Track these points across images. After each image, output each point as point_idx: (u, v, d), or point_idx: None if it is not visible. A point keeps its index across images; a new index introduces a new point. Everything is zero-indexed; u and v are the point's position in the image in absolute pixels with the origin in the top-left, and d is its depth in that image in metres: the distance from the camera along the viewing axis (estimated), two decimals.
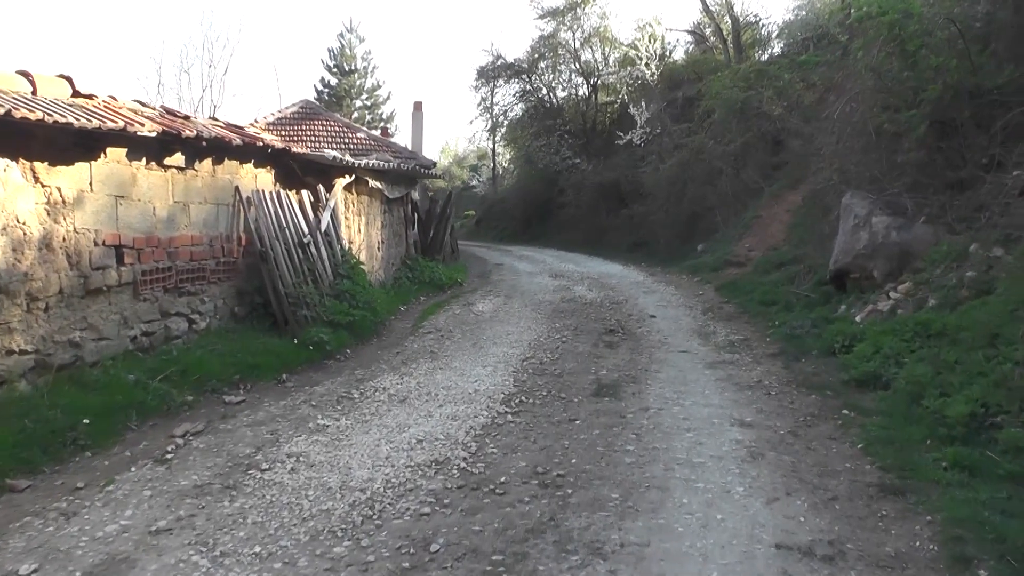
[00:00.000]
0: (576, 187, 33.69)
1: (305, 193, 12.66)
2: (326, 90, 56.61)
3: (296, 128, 29.79)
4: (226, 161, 10.76)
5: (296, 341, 10.55)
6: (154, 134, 8.58)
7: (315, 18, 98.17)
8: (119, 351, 8.51)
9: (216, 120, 11.30)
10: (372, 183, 15.56)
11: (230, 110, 49.93)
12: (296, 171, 12.75)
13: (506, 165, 52.77)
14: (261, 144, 10.88)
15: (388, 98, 58.25)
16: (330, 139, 28.99)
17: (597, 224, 31.47)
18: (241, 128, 11.49)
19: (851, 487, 5.77)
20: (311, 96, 54.46)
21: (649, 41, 32.95)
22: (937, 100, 12.23)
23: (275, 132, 29.47)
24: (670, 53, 35.00)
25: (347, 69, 57.02)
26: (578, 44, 38.28)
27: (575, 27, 38.03)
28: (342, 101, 55.42)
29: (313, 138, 28.93)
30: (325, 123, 30.46)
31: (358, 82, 57.28)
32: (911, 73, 13.25)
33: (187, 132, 9.10)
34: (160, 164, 9.35)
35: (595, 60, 38.14)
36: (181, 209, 9.82)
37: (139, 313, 8.94)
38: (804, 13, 29.29)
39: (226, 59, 66.58)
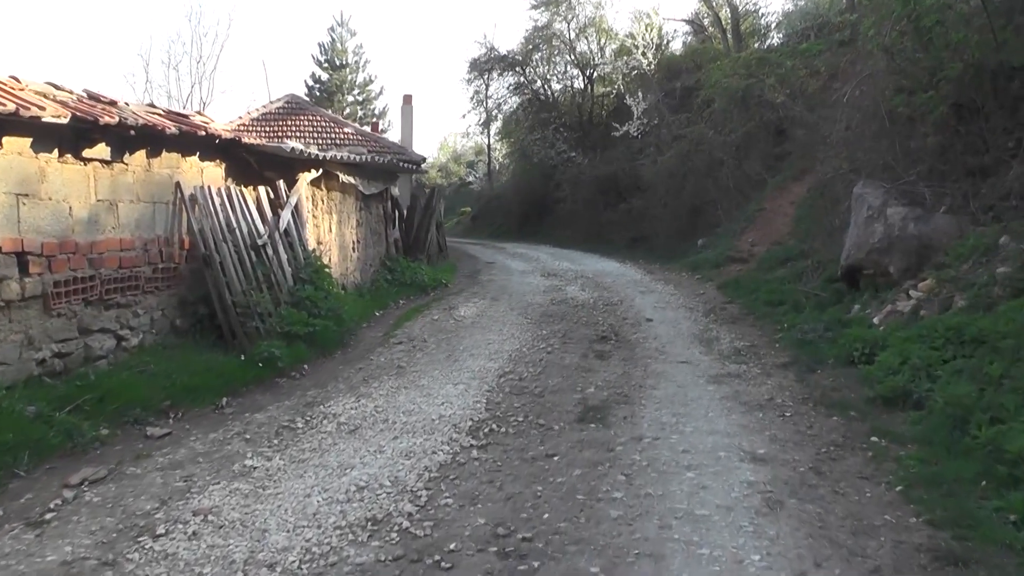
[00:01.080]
0: (572, 182, 32.57)
1: (263, 190, 11.41)
2: (317, 85, 55.36)
3: (281, 123, 28.70)
4: (164, 154, 9.50)
5: (244, 357, 9.30)
6: (63, 120, 7.31)
7: (305, 12, 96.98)
8: (20, 377, 7.23)
9: (154, 107, 10.04)
10: (344, 178, 14.31)
11: (220, 107, 48.97)
12: (253, 165, 11.51)
13: (502, 160, 51.42)
14: (204, 134, 9.59)
15: (381, 93, 57.07)
16: (316, 135, 27.89)
17: (595, 220, 30.31)
18: (185, 116, 10.22)
19: (896, 553, 4.50)
20: (301, 92, 53.33)
21: (646, 30, 31.80)
22: (957, 80, 11.20)
23: (260, 128, 28.45)
24: (667, 44, 34.17)
25: (338, 64, 55.78)
26: (573, 35, 37.18)
27: (570, 17, 36.84)
28: (333, 97, 54.17)
29: (299, 133, 27.80)
30: (312, 118, 29.38)
31: (349, 77, 56.03)
32: (927, 52, 12.11)
33: (106, 119, 7.83)
34: (78, 156, 8.08)
35: (591, 51, 36.99)
36: (107, 209, 8.55)
37: (50, 331, 7.67)
38: (804, 2, 28.63)
39: (215, 55, 65.18)
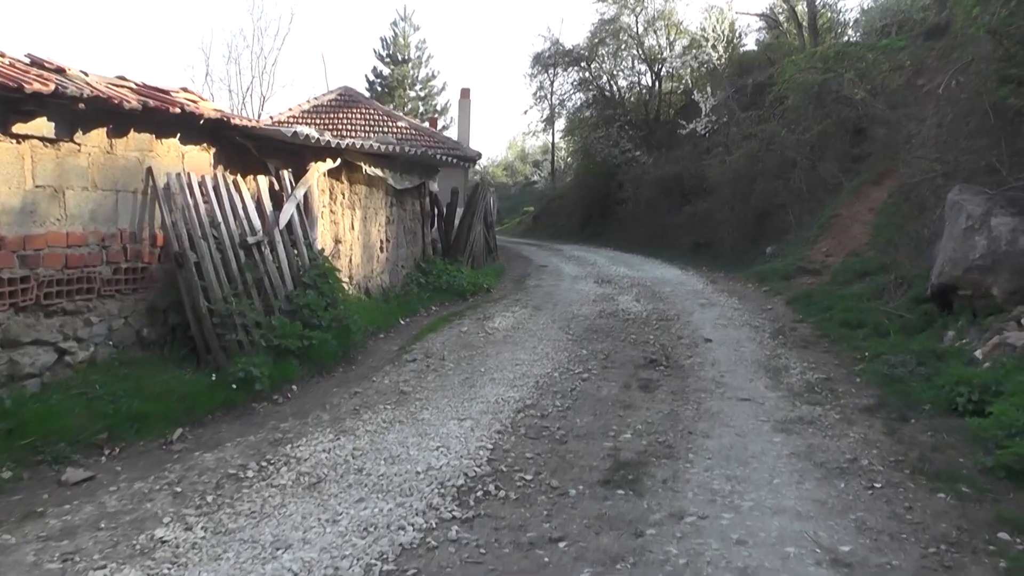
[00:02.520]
0: (635, 182, 30.84)
1: (264, 181, 9.93)
2: (378, 80, 54.32)
3: (333, 116, 27.76)
4: (133, 134, 8.05)
5: (215, 377, 7.80)
6: None
7: (368, 7, 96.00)
8: None
9: (124, 80, 8.55)
10: (370, 170, 12.79)
11: (280, 101, 48.04)
12: (253, 152, 10.02)
13: (567, 159, 49.68)
14: (179, 111, 8.07)
15: (443, 88, 55.70)
16: (368, 128, 26.88)
17: (658, 222, 28.50)
18: (164, 92, 8.72)
19: None
20: (362, 87, 52.45)
21: (717, 22, 29.93)
22: None
23: (310, 120, 27.29)
24: (740, 38, 32.49)
25: (400, 59, 54.65)
26: (641, 29, 35.27)
27: (638, 10, 34.96)
28: (395, 92, 53.07)
29: (350, 126, 26.82)
30: (365, 111, 28.34)
31: (412, 72, 54.85)
32: None
33: (37, 86, 6.36)
34: (7, 133, 6.64)
35: (659, 46, 35.09)
36: (49, 197, 7.10)
37: None
38: None
39: (276, 49, 64.70)
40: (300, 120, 27.03)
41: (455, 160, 18.98)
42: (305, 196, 10.75)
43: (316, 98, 29.22)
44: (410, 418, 7.22)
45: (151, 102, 7.71)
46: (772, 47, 30.01)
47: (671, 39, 34.69)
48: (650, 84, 36.37)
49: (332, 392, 8.29)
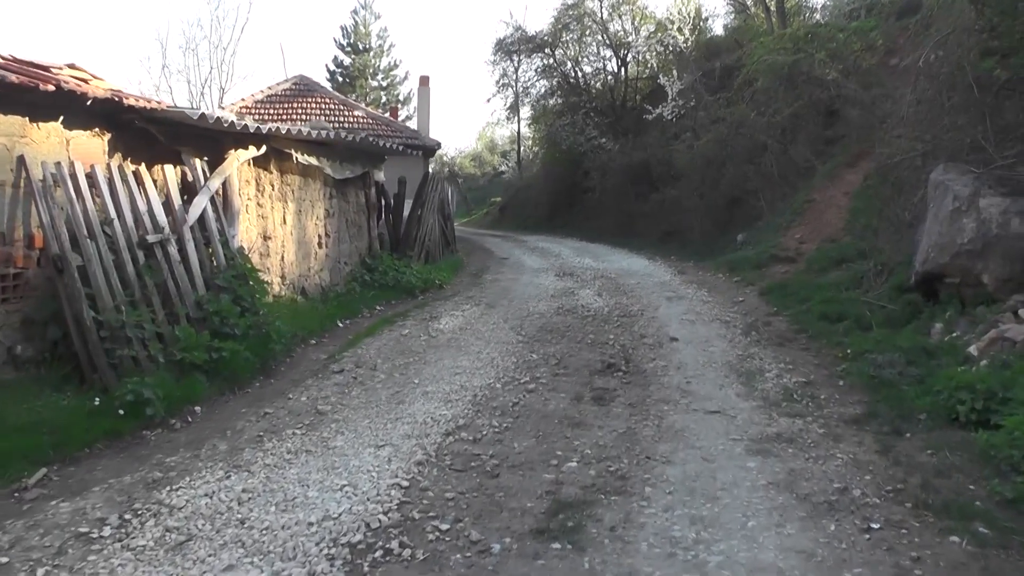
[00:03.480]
0: (601, 169, 29.96)
1: (172, 171, 8.75)
2: (339, 70, 53.07)
3: (287, 105, 27.08)
4: None
5: (99, 401, 6.67)
6: None
7: None
8: None
9: None
10: (303, 159, 11.63)
11: (239, 92, 46.56)
12: (159, 139, 8.87)
13: (534, 149, 48.58)
14: (53, 88, 6.89)
15: (406, 78, 54.53)
16: (323, 117, 25.99)
17: (625, 211, 27.65)
18: (41, 68, 7.52)
19: None
20: (323, 76, 51.21)
21: (683, 4, 29.11)
22: None
23: (264, 110, 26.16)
24: (707, 21, 31.85)
25: (361, 48, 53.42)
26: (606, 14, 34.44)
27: None
28: (356, 81, 51.87)
29: (305, 116, 25.98)
30: (321, 100, 27.68)
31: (373, 62, 53.62)
32: None
33: None
34: None
35: (624, 31, 34.05)
36: None
37: None
38: None
39: (235, 39, 63.21)
40: (253, 110, 25.88)
41: (409, 149, 17.81)
42: (224, 188, 9.63)
43: (270, 87, 28.30)
44: (320, 446, 6.12)
45: (12, 77, 6.53)
46: (740, 30, 29.22)
47: (636, 24, 33.71)
48: (616, 70, 35.43)
49: (240, 414, 7.17)
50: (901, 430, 6.19)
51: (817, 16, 28.05)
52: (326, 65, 54.52)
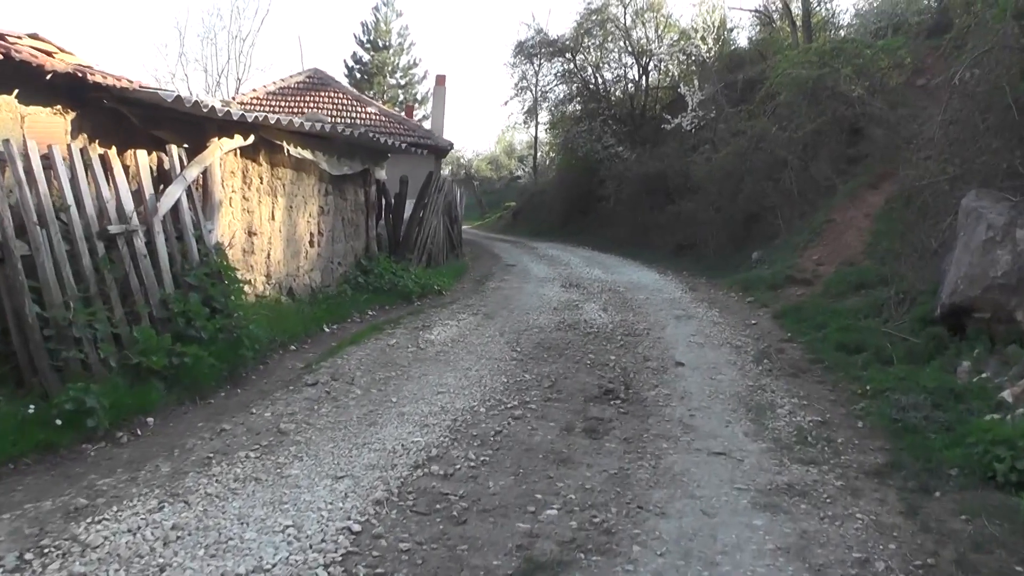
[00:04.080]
0: (617, 178, 29.20)
1: (145, 157, 8.07)
2: (357, 66, 52.56)
3: (299, 98, 26.65)
4: None
5: (33, 409, 5.99)
6: None
7: None
8: None
9: None
10: (296, 152, 10.97)
11: (256, 83, 46.24)
12: (133, 121, 8.21)
13: (550, 154, 47.87)
14: (2, 57, 6.23)
15: (424, 77, 53.94)
16: (335, 112, 25.58)
17: (639, 222, 26.96)
18: None
19: None
20: (341, 72, 50.66)
21: (708, 15, 28.65)
22: None
23: (276, 102, 25.58)
24: (731, 32, 31.46)
25: (381, 45, 52.87)
26: (629, 21, 33.67)
27: (627, 0, 33.27)
28: (374, 78, 51.31)
29: (316, 110, 25.39)
30: (333, 95, 27.16)
31: (392, 59, 53.07)
32: None
33: None
34: None
35: (647, 38, 33.30)
36: None
37: None
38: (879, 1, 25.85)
39: (254, 30, 62.79)
40: (265, 102, 25.32)
41: (413, 148, 17.13)
42: (205, 178, 8.98)
43: (283, 80, 27.83)
44: (273, 474, 5.43)
45: None
46: (764, 42, 28.51)
47: (660, 32, 32.98)
48: (636, 78, 34.69)
49: (195, 429, 6.48)
50: (929, 487, 5.45)
51: (843, 33, 27.35)
52: (344, 60, 54.25)
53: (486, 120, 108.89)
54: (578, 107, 36.45)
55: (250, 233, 10.31)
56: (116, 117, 7.99)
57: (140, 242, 7.65)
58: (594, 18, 34.40)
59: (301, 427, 6.50)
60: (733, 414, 7.26)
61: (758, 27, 31.91)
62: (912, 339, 9.40)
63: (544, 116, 42.19)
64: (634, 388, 8.04)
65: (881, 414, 7.09)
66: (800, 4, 26.85)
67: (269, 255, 10.78)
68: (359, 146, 13.26)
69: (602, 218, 30.89)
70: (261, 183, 10.57)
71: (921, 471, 5.73)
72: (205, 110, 8.36)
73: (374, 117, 26.21)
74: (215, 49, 41.88)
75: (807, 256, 15.73)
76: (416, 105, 47.30)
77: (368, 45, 52.96)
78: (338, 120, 24.63)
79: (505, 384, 8.03)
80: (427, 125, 32.90)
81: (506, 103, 67.23)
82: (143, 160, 7.99)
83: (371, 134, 13.24)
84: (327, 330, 10.78)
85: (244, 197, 10.18)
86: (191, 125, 8.85)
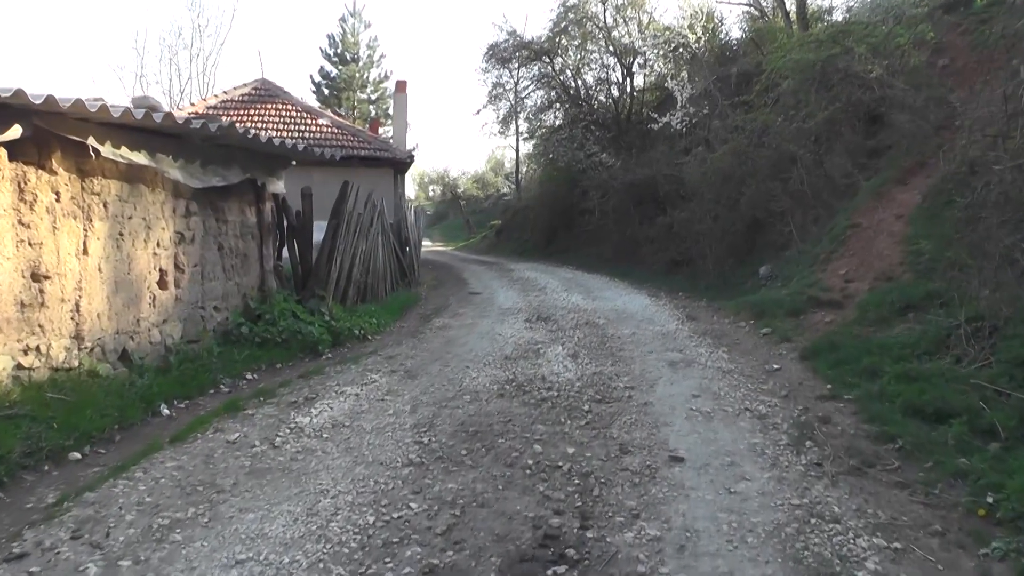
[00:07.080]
0: (602, 188, 26.29)
1: None
2: (325, 81, 49.59)
3: (244, 111, 24.30)
4: None
5: None
6: None
7: (315, 2, 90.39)
8: None
9: None
10: (121, 155, 7.61)
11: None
12: None
13: (532, 167, 44.78)
14: None
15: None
16: (283, 125, 23.39)
17: (628, 235, 24.23)
18: None
19: None
20: (308, 88, 47.82)
21: (695, 7, 26.55)
22: None
23: (216, 115, 22.64)
24: (721, 23, 28.51)
25: (349, 58, 49.92)
26: (610, 19, 30.77)
27: None
28: (342, 94, 48.33)
29: (263, 123, 23.14)
30: (281, 106, 24.82)
31: (361, 73, 50.06)
32: None
33: None
34: None
35: (630, 36, 30.38)
36: None
37: None
38: None
39: (216, 48, 59.82)
40: (204, 116, 22.34)
41: (326, 152, 13.69)
42: None
43: (226, 92, 25.23)
44: None
45: None
46: (758, 32, 25.88)
47: (643, 30, 29.91)
48: (620, 80, 31.80)
49: None
50: None
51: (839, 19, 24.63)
52: (311, 76, 51.02)
53: (473, 139, 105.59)
54: (559, 114, 33.99)
55: (39, 278, 6.93)
56: None
57: None
58: (571, 16, 31.51)
59: None
60: None
61: (748, 21, 29.10)
62: (1016, 394, 6.22)
63: (523, 125, 38.99)
64: (597, 528, 4.62)
65: None
66: None
67: (78, 306, 7.39)
68: (240, 149, 9.87)
69: (587, 233, 28.19)
70: (58, 201, 7.18)
71: None
72: None
73: (325, 129, 23.82)
74: (177, 69, 38.79)
75: (831, 270, 12.52)
76: (385, 120, 44.02)
77: (335, 59, 49.90)
78: (286, 134, 21.69)
79: (365, 531, 4.58)
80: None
81: (478, 112, 64.28)
82: None
83: (250, 134, 9.75)
84: (166, 413, 7.41)
85: (21, 223, 6.79)
86: None
